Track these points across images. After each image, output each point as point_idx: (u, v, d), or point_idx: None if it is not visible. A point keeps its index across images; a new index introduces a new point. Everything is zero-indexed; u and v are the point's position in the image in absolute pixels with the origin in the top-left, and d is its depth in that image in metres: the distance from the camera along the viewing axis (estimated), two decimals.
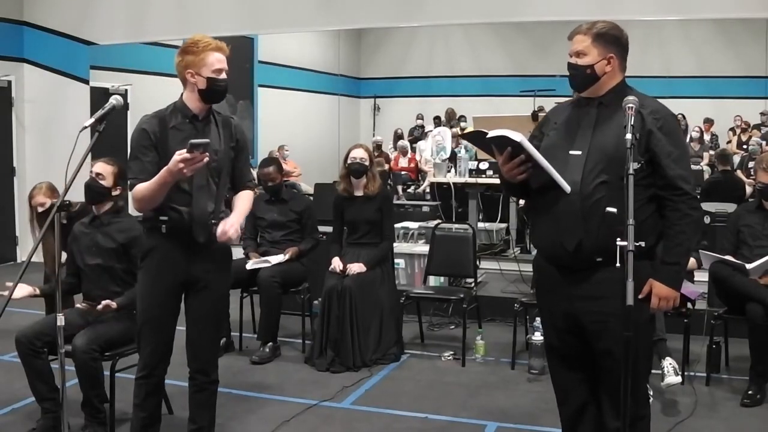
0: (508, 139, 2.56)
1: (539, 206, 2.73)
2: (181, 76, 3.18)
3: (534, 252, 7.29)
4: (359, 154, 5.21)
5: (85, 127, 2.89)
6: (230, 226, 3.11)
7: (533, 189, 2.72)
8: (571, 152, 2.64)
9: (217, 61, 3.12)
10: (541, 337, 4.90)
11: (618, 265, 2.32)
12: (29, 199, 4.65)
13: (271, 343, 5.15)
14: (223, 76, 3.15)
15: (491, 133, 2.61)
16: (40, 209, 4.52)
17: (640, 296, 2.44)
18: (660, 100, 2.72)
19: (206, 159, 2.92)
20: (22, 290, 3.88)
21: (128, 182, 3.18)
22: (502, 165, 2.65)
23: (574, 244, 2.59)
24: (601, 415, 2.75)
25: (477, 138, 2.83)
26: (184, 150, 2.86)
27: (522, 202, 7.90)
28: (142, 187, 3.05)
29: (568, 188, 2.59)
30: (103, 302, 3.70)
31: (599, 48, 2.65)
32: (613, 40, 2.67)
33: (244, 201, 3.33)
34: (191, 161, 2.87)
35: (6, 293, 3.45)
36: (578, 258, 2.61)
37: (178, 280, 3.20)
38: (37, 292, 4.03)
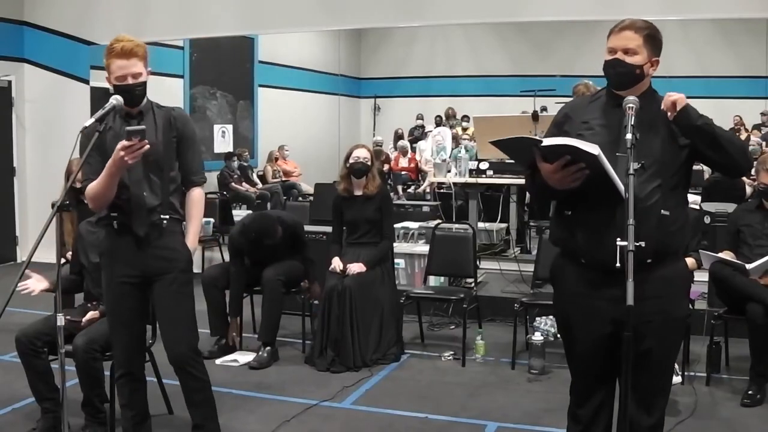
0: (573, 147, 2.42)
1: (585, 211, 2.62)
2: None
3: (534, 252, 7.26)
4: (362, 153, 5.21)
5: (86, 127, 2.90)
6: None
7: (570, 193, 2.59)
8: (618, 154, 2.53)
9: (118, 69, 3.11)
10: (541, 337, 4.91)
11: (618, 265, 2.31)
12: (68, 168, 4.64)
13: (269, 348, 5.12)
14: (129, 81, 3.11)
15: (548, 141, 2.48)
16: (78, 185, 4.49)
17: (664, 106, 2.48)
18: None
19: (147, 146, 2.96)
20: (41, 284, 3.92)
21: (81, 185, 3.21)
22: (553, 173, 2.52)
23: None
24: (626, 414, 2.69)
25: (517, 144, 2.63)
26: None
27: (528, 198, 7.89)
28: (92, 185, 3.10)
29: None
30: (88, 316, 3.81)
31: (649, 50, 2.59)
32: (659, 44, 2.63)
33: (195, 216, 3.37)
34: (131, 149, 2.92)
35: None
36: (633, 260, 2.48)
37: (137, 274, 3.22)
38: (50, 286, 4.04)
